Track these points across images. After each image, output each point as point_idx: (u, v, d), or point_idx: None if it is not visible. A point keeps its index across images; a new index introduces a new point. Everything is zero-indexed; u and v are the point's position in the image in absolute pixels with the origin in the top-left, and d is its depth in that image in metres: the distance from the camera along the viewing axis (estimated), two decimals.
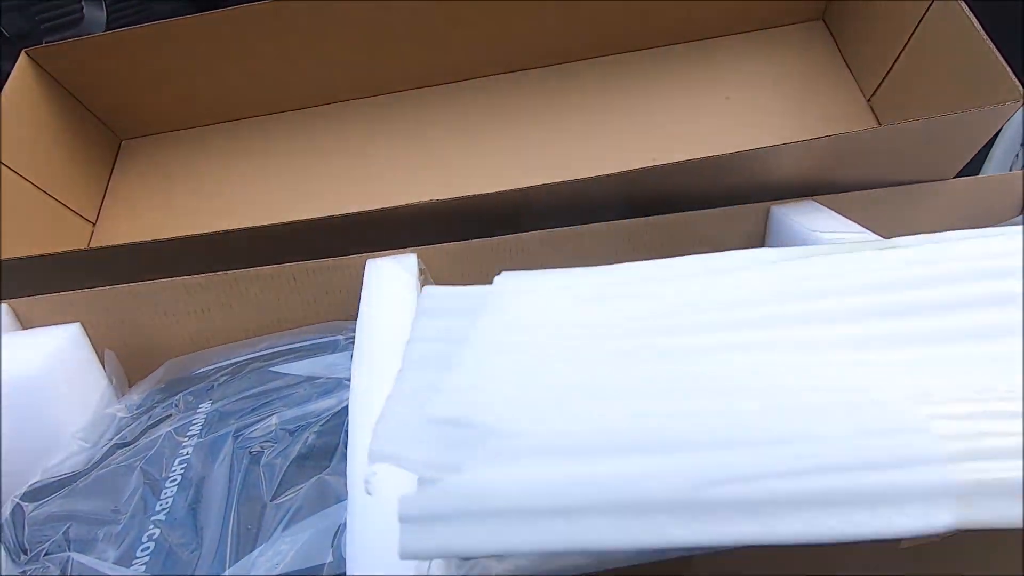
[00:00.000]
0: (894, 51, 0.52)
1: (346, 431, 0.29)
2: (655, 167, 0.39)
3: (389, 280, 0.36)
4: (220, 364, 0.37)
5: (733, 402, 0.14)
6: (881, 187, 0.45)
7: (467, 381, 0.15)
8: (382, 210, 0.39)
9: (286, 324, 0.40)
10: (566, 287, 0.19)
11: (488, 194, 0.39)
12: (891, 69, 0.53)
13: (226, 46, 0.59)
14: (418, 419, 0.14)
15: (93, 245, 0.61)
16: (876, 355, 0.15)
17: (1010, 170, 0.64)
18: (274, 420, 0.30)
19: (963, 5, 0.43)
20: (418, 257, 0.39)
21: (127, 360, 0.39)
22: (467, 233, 0.41)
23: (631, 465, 0.12)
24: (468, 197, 0.39)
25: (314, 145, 0.64)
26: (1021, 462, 0.12)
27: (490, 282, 0.21)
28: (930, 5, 0.46)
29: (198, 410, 0.34)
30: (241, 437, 0.30)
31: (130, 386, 0.40)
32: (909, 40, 0.50)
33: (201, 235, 0.39)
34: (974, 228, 0.46)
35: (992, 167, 0.65)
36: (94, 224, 0.62)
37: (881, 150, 0.42)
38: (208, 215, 0.61)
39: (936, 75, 0.48)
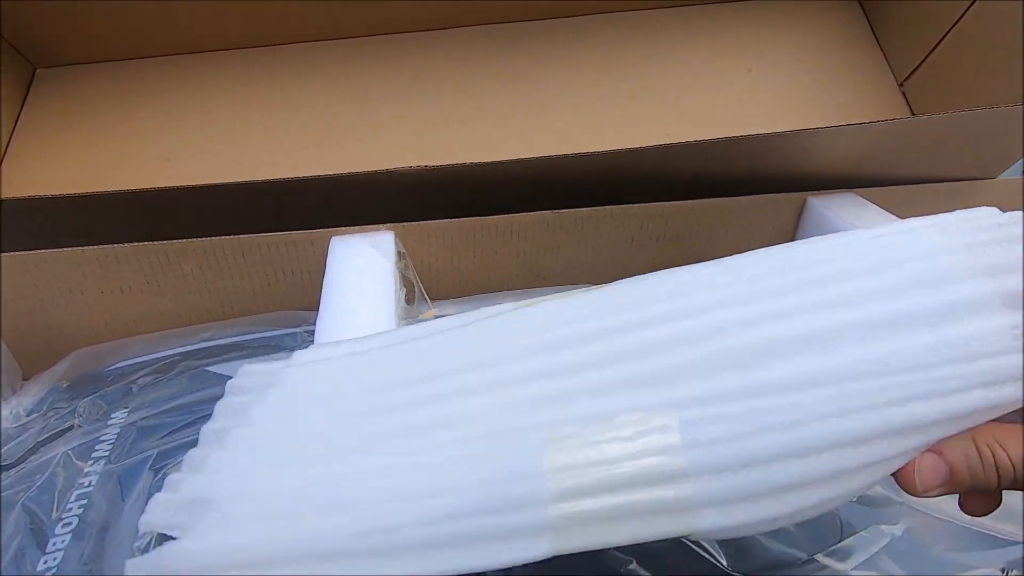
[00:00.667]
0: (935, 36, 0.47)
1: None
2: (675, 145, 0.33)
3: (358, 264, 0.29)
4: (143, 359, 0.30)
5: (406, 460, 0.16)
6: (919, 183, 0.40)
7: (223, 459, 0.17)
8: (354, 175, 0.32)
9: (231, 311, 0.33)
10: (349, 354, 0.20)
11: (480, 164, 0.32)
12: (929, 54, 0.48)
13: None
14: (178, 496, 0.16)
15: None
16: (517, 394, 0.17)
17: None
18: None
19: None
20: (396, 236, 0.32)
21: (23, 346, 0.31)
22: (455, 210, 0.34)
23: (313, 523, 0.15)
24: (457, 166, 0.32)
25: (272, 88, 0.55)
26: (611, 495, 0.15)
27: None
28: None
29: (109, 422, 0.26)
30: (161, 471, 0.23)
31: (26, 379, 0.32)
32: (954, 26, 0.45)
33: (126, 192, 0.31)
34: None
35: None
36: None
37: (927, 141, 0.37)
38: (136, 166, 0.51)
39: (979, 66, 0.43)
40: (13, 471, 0.24)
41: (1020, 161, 0.54)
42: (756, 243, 0.40)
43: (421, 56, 0.55)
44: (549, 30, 0.56)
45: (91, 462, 0.24)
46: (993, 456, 0.16)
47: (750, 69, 0.52)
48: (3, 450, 0.25)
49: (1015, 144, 0.40)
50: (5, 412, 0.27)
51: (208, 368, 0.29)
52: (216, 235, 0.31)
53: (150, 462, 0.23)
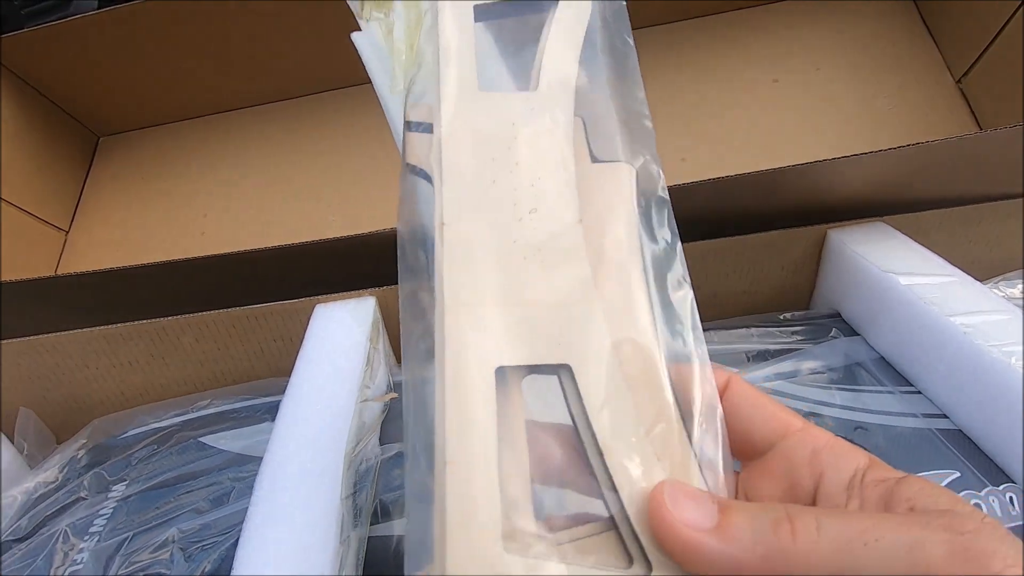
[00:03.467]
0: (991, 31, 0.41)
1: None
2: (680, 187, 0.31)
3: (332, 338, 0.29)
4: (147, 429, 0.32)
5: None
6: (965, 204, 0.35)
7: None
8: (337, 239, 0.32)
9: (231, 377, 0.34)
10: None
11: None
12: (986, 50, 0.42)
13: (214, 28, 0.52)
14: None
15: (65, 256, 0.56)
16: None
17: None
18: (174, 532, 0.24)
19: None
20: (377, 301, 0.32)
21: (53, 415, 0.34)
22: None
23: None
24: None
25: (302, 138, 0.57)
26: None
27: None
28: None
29: (109, 494, 0.28)
30: (129, 557, 0.24)
31: (59, 442, 0.35)
32: (1009, 20, 0.39)
33: (151, 265, 0.32)
34: None
35: None
36: (67, 232, 0.58)
37: (973, 159, 0.33)
38: (184, 222, 0.55)
39: None
40: (24, 544, 0.27)
41: None
42: (772, 283, 0.37)
43: None
44: None
45: (86, 538, 0.26)
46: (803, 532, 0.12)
47: (776, 80, 0.48)
48: (17, 524, 0.27)
49: None
50: (28, 485, 0.30)
51: (200, 438, 0.30)
52: (219, 306, 0.32)
53: (125, 543, 0.25)
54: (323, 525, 0.20)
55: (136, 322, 0.31)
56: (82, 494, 0.29)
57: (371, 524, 0.22)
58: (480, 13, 0.19)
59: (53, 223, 0.56)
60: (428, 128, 0.17)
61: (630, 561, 0.12)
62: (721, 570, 0.12)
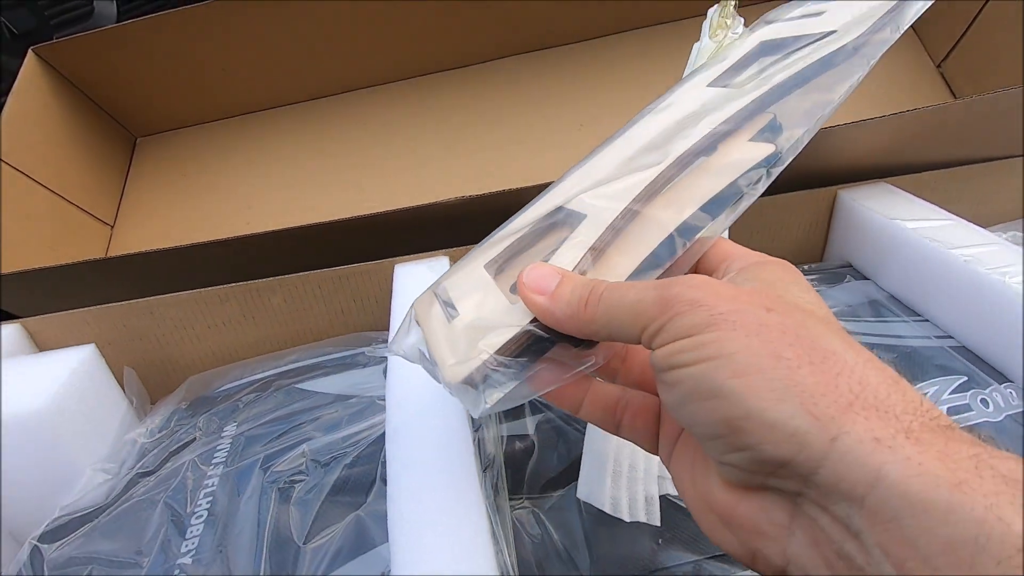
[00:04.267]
0: (968, 15, 0.46)
1: (382, 463, 0.26)
2: None
3: (420, 287, 0.33)
4: (244, 381, 0.35)
5: None
6: (957, 165, 0.40)
7: None
8: (410, 209, 0.36)
9: (312, 335, 0.37)
10: None
11: (528, 187, 0.36)
12: (964, 34, 0.47)
13: (236, 35, 0.56)
14: None
15: (112, 249, 0.59)
16: None
17: None
18: (304, 449, 0.28)
19: None
20: (450, 261, 0.36)
21: (148, 376, 0.37)
22: None
23: None
24: (505, 192, 0.36)
25: (330, 134, 0.61)
26: None
27: None
28: None
29: (223, 434, 0.31)
30: (269, 470, 0.27)
31: (153, 403, 0.38)
32: (987, 3, 0.45)
33: (219, 241, 0.36)
34: None
35: None
36: (112, 227, 0.60)
37: (964, 124, 0.38)
38: (228, 213, 0.58)
39: (1015, 40, 0.43)
40: (153, 477, 0.30)
41: None
42: (790, 239, 0.41)
43: (454, 92, 0.59)
44: (585, 51, 0.59)
45: (212, 466, 0.29)
46: (589, 291, 0.17)
47: None
48: (145, 460, 0.30)
49: None
50: (141, 431, 0.33)
51: (297, 385, 0.33)
52: (298, 266, 0.36)
53: (259, 463, 0.28)
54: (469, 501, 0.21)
55: (231, 284, 0.35)
56: (196, 435, 0.32)
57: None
58: None
59: (100, 217, 0.59)
60: None
61: None
62: (549, 322, 0.17)
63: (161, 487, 0.29)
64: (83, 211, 0.57)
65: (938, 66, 0.50)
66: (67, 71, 0.58)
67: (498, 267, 0.20)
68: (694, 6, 0.57)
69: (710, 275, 0.18)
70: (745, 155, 0.21)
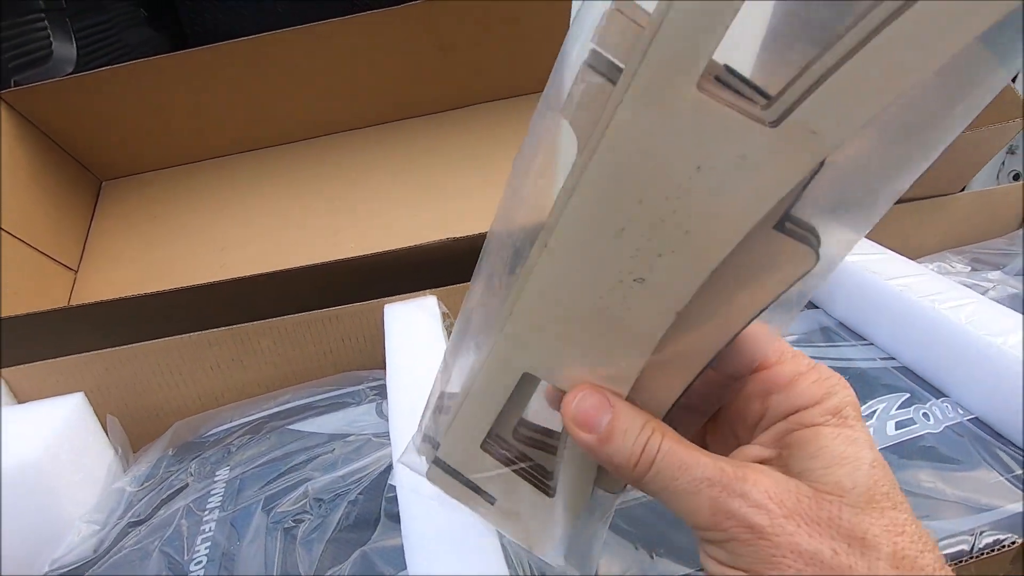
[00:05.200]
0: None
1: (386, 498, 0.27)
2: None
3: (412, 325, 0.34)
4: (234, 424, 0.35)
5: None
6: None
7: None
8: (394, 251, 0.38)
9: (302, 376, 0.38)
10: None
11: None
12: None
13: (206, 83, 0.57)
14: None
15: (75, 294, 0.58)
16: None
17: (997, 179, 0.66)
18: (306, 488, 0.28)
19: None
20: (438, 299, 0.37)
21: (130, 424, 0.37)
22: None
23: None
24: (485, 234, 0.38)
25: (301, 178, 0.62)
26: None
27: None
28: None
29: (216, 478, 0.31)
30: (272, 511, 0.28)
31: (134, 451, 0.37)
32: None
33: (196, 287, 0.37)
34: (981, 241, 0.46)
35: (978, 177, 0.67)
36: (76, 271, 0.59)
37: None
38: (200, 256, 0.58)
39: None
40: (144, 526, 0.29)
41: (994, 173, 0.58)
42: None
43: (428, 136, 0.62)
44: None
45: (207, 511, 0.29)
46: (647, 441, 0.15)
47: None
48: (135, 508, 0.30)
49: (973, 163, 0.45)
50: (127, 479, 0.33)
51: (290, 427, 0.34)
52: (277, 314, 0.37)
53: (260, 505, 0.28)
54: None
55: (220, 328, 0.35)
56: (188, 480, 0.32)
57: None
58: None
59: (63, 262, 0.57)
60: (607, 72, 0.14)
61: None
62: (599, 460, 0.16)
63: (155, 536, 0.28)
64: (46, 256, 0.56)
65: None
66: (32, 115, 0.57)
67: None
68: None
69: (748, 368, 0.17)
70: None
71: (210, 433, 0.35)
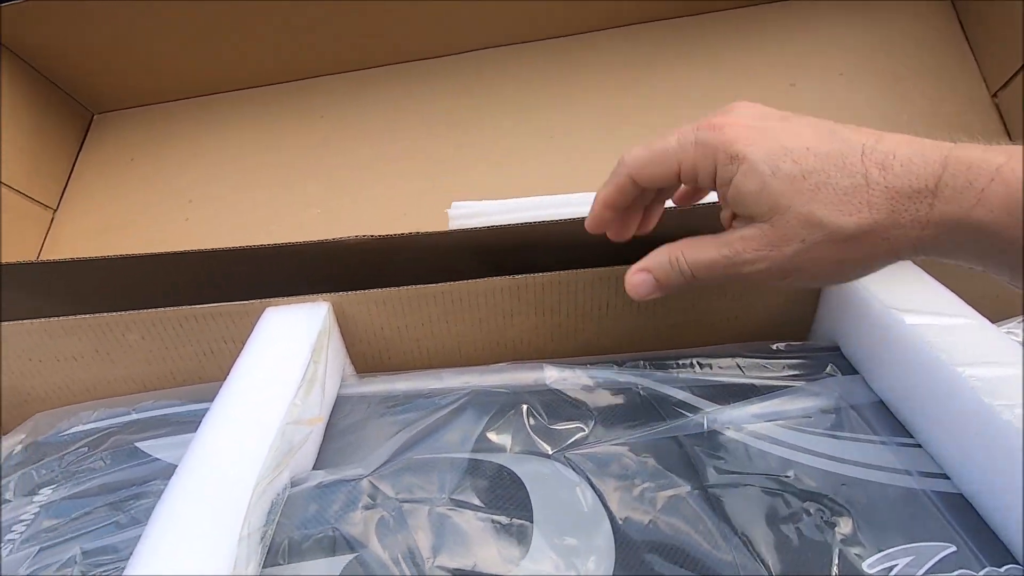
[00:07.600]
0: None
1: None
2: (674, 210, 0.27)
3: (273, 345, 0.27)
4: (86, 428, 0.30)
5: None
6: None
7: None
8: (290, 245, 0.30)
9: (179, 376, 0.32)
10: None
11: (436, 232, 0.29)
12: None
13: (207, 11, 0.51)
14: None
15: (50, 236, 0.56)
16: None
17: None
18: (76, 553, 0.22)
19: None
20: (332, 307, 0.30)
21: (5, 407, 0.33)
22: (414, 278, 0.31)
23: None
24: (408, 235, 0.29)
25: (293, 122, 0.56)
26: None
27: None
28: None
29: (35, 498, 0.27)
30: (33, 572, 0.22)
31: (3, 431, 0.33)
32: None
33: (76, 260, 0.31)
34: None
35: None
36: (55, 211, 0.57)
37: None
38: (167, 209, 0.54)
39: None
40: None
41: None
42: (766, 308, 0.34)
43: (436, 81, 0.53)
44: (554, 49, 0.52)
45: (4, 544, 0.25)
46: (678, 264, 0.21)
47: (792, 84, 0.44)
48: None
49: None
50: None
51: (137, 443, 0.28)
52: (171, 304, 0.30)
53: (31, 557, 0.23)
54: (215, 567, 0.18)
55: (77, 316, 0.30)
56: (8, 496, 0.27)
57: (273, 564, 0.20)
58: None
59: (41, 201, 0.55)
60: None
61: None
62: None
63: None
64: (23, 195, 0.54)
65: (993, 96, 0.41)
66: (15, 42, 0.54)
67: None
68: (670, 7, 0.49)
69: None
70: None
71: (63, 434, 0.31)
